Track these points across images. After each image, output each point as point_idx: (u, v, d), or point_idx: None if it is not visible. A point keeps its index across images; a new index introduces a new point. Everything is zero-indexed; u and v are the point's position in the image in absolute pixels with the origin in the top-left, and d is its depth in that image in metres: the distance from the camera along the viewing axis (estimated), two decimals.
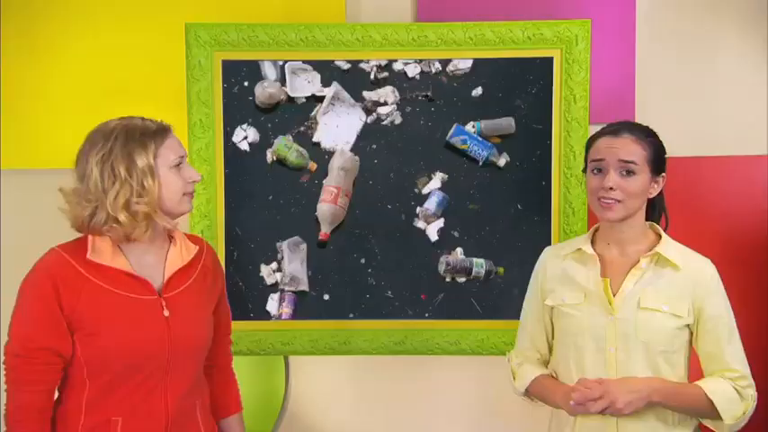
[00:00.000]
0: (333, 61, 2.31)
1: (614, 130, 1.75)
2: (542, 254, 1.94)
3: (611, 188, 1.70)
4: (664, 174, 1.78)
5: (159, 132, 1.65)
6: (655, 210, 1.84)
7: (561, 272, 1.84)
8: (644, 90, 2.42)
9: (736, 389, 1.72)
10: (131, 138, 1.61)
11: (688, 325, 1.74)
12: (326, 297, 2.36)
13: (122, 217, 1.59)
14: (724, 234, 2.38)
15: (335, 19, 2.42)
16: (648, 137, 1.76)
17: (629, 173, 1.71)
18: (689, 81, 2.43)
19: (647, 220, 1.81)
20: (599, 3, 2.39)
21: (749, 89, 2.43)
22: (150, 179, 1.61)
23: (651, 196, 1.77)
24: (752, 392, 1.73)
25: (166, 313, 1.66)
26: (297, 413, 2.55)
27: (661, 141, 1.79)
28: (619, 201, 1.71)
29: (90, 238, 1.64)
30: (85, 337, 1.60)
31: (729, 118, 2.43)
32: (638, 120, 2.37)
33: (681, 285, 1.73)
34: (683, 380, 1.75)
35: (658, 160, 1.76)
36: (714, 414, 1.70)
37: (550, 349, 1.90)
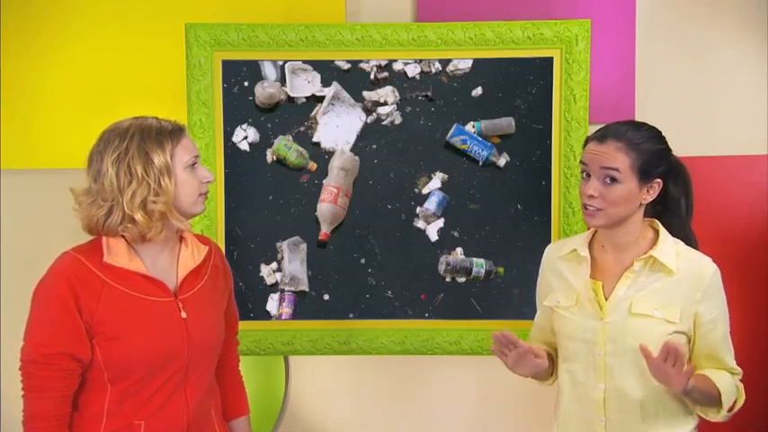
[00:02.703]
0: (333, 61, 2.31)
1: (601, 135, 1.70)
2: (545, 251, 1.92)
3: (591, 195, 1.67)
4: (658, 180, 1.70)
5: (175, 132, 1.64)
6: (671, 210, 1.78)
7: (558, 271, 1.83)
8: (644, 90, 2.42)
9: (736, 385, 1.74)
10: (148, 136, 1.60)
11: (684, 331, 1.70)
12: (326, 297, 2.36)
13: (139, 216, 1.57)
14: (724, 234, 2.37)
15: (335, 19, 2.42)
16: (638, 143, 1.68)
17: (613, 180, 1.66)
18: (689, 81, 2.43)
19: (671, 226, 1.76)
20: (599, 3, 2.39)
21: (749, 89, 2.43)
22: (167, 178, 1.59)
23: (645, 202, 1.70)
24: (740, 384, 1.77)
25: (184, 315, 1.65)
26: (297, 413, 2.55)
27: (655, 146, 1.71)
28: (600, 209, 1.67)
29: (104, 240, 1.62)
30: (105, 342, 1.58)
31: (729, 118, 2.43)
32: (638, 119, 2.37)
33: (675, 290, 1.69)
34: None
35: (648, 167, 1.67)
36: (717, 404, 1.70)
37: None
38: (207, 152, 2.30)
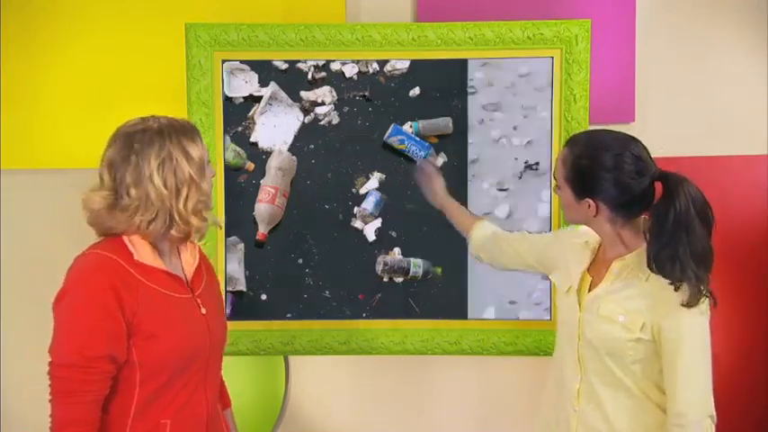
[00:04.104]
0: (271, 61, 2.29)
1: (566, 142, 1.75)
2: (577, 228, 1.87)
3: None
4: (589, 200, 1.66)
5: (197, 129, 1.66)
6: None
7: (571, 251, 1.83)
8: (644, 90, 2.42)
9: None
10: (184, 136, 1.60)
11: (649, 340, 1.63)
12: (264, 297, 2.34)
13: (194, 220, 1.58)
14: (723, 234, 2.36)
15: (335, 19, 2.42)
16: (579, 157, 1.67)
17: (558, 186, 1.75)
18: (689, 81, 2.43)
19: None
20: (599, 3, 2.39)
21: (749, 89, 2.43)
22: (206, 176, 1.62)
23: (592, 216, 1.68)
24: None
25: (204, 311, 1.66)
26: (297, 413, 2.55)
27: (586, 164, 1.65)
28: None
29: (126, 239, 1.59)
30: (143, 341, 1.55)
31: (729, 118, 2.43)
32: (638, 119, 2.38)
33: (641, 298, 1.64)
34: (654, 392, 1.65)
35: (578, 183, 1.67)
36: None
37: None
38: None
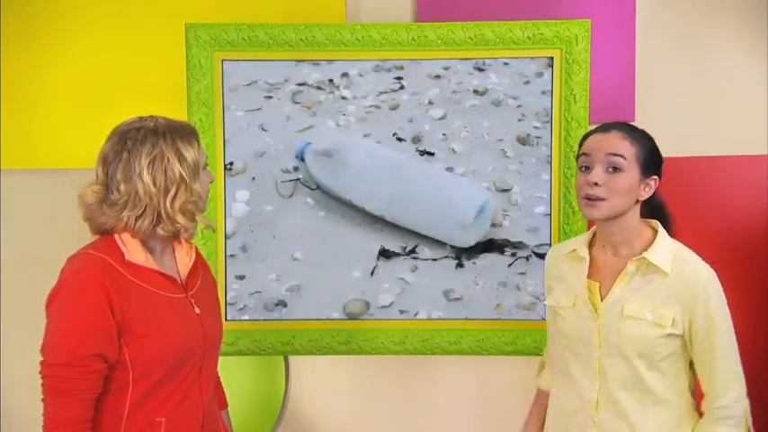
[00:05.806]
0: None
1: (605, 127, 1.71)
2: (547, 253, 1.94)
3: (595, 183, 1.64)
4: (656, 177, 1.70)
5: (196, 132, 1.66)
6: (657, 215, 1.76)
7: (559, 272, 1.83)
8: (644, 90, 2.42)
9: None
10: (179, 137, 1.60)
11: (679, 334, 1.66)
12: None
13: (181, 219, 1.59)
14: (724, 234, 2.37)
15: (335, 19, 2.42)
16: (642, 137, 1.70)
17: (616, 169, 1.64)
18: (689, 81, 2.43)
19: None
20: (599, 3, 2.39)
21: (749, 89, 2.43)
22: (198, 179, 1.62)
23: (642, 199, 1.70)
24: (742, 414, 1.67)
25: (197, 310, 1.67)
26: (297, 413, 2.55)
27: (655, 144, 1.72)
28: (603, 198, 1.64)
29: (118, 238, 1.60)
30: (135, 340, 1.56)
31: (729, 118, 2.43)
32: (638, 119, 2.38)
33: (667, 292, 1.65)
34: (678, 389, 1.69)
35: (650, 160, 1.69)
36: None
37: None
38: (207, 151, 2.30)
